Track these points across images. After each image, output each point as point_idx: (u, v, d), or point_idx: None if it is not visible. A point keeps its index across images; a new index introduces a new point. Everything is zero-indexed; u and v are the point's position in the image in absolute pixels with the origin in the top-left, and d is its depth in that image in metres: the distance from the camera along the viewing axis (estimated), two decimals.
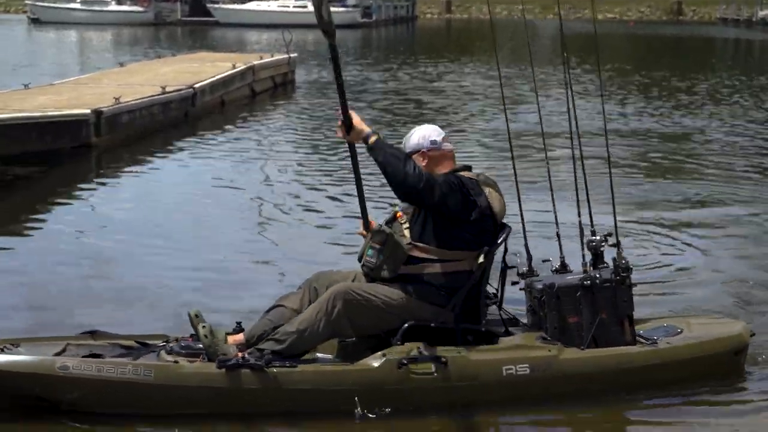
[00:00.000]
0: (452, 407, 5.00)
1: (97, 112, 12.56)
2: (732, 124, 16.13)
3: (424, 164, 5.08)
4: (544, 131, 6.17)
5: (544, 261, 5.50)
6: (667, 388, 5.26)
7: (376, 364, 4.92)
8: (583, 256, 5.37)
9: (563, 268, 5.39)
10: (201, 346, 4.95)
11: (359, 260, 5.21)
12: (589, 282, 5.15)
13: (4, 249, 8.20)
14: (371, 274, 5.10)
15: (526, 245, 5.47)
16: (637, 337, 5.32)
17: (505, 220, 5.22)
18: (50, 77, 19.55)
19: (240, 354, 4.88)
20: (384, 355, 4.94)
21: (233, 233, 8.75)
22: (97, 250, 8.14)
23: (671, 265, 7.79)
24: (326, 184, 10.86)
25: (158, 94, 14.68)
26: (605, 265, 5.31)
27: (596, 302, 5.15)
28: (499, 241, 5.14)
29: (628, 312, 5.23)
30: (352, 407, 4.88)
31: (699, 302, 6.75)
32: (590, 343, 5.15)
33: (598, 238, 5.36)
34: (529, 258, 5.43)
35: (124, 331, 5.50)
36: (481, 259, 5.04)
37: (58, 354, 4.94)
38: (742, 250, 8.24)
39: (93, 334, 5.24)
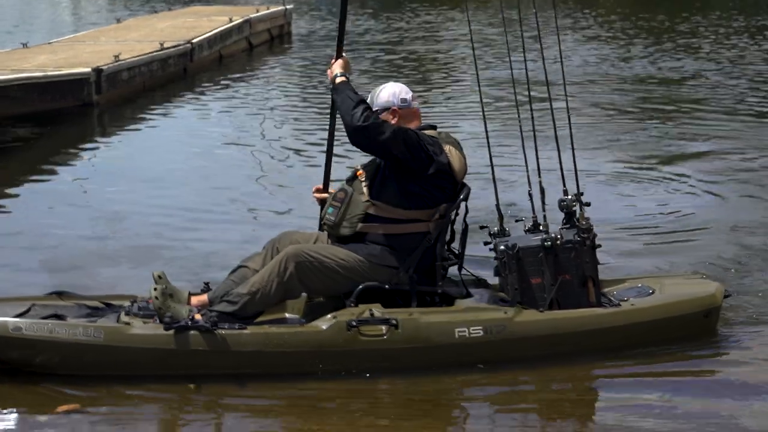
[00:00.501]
0: (406, 370, 4.95)
1: (98, 71, 12.73)
2: (730, 66, 16.03)
3: (394, 122, 5.09)
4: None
5: (517, 221, 5.43)
6: (631, 351, 5.14)
7: (324, 326, 4.91)
8: (544, 216, 5.27)
9: (535, 228, 5.26)
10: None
11: (320, 220, 5.29)
12: (549, 243, 5.04)
13: (10, 210, 8.42)
14: (331, 232, 5.14)
15: (497, 204, 5.35)
16: (606, 299, 5.23)
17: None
18: (47, 35, 19.66)
19: (191, 316, 4.89)
20: (334, 317, 4.92)
21: (230, 190, 8.88)
22: (103, 208, 8.35)
23: (660, 219, 7.66)
24: (321, 141, 10.93)
25: (157, 51, 14.80)
26: (568, 226, 5.20)
27: (558, 264, 5.05)
28: (457, 201, 5.12)
29: (591, 273, 5.12)
30: (299, 369, 4.90)
31: (684, 259, 6.62)
32: (553, 305, 5.07)
33: (569, 197, 5.24)
34: (501, 217, 5.32)
35: (120, 290, 5.60)
36: (436, 216, 5.04)
37: (21, 314, 4.99)
38: (737, 202, 8.09)
39: (60, 294, 5.30)
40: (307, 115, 12.89)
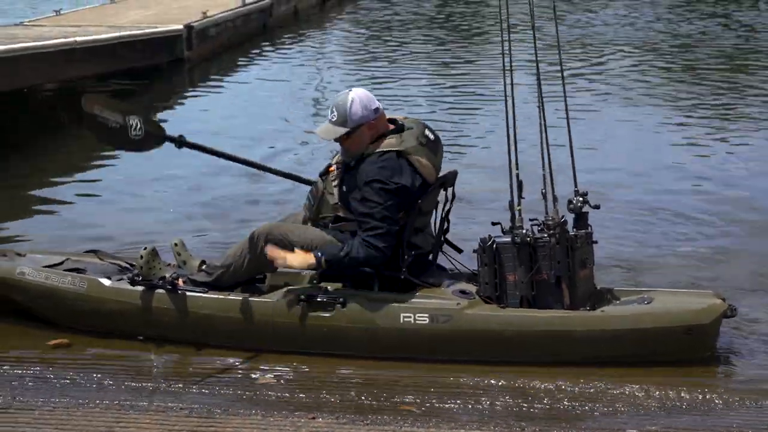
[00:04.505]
0: (353, 351, 4.82)
1: (189, 27, 13.17)
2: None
3: (370, 133, 4.87)
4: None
5: (494, 224, 5.00)
6: (589, 362, 4.72)
7: (276, 298, 4.87)
8: (519, 211, 4.87)
9: (512, 230, 4.86)
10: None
11: None
12: (519, 239, 4.73)
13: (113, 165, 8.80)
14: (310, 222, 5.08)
15: (510, 201, 4.89)
16: (590, 305, 4.82)
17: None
18: None
19: (170, 278, 5.00)
20: (289, 290, 4.88)
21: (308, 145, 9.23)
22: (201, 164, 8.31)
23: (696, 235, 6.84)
24: (394, 95, 11.36)
25: (240, 6, 15.42)
26: (544, 221, 4.86)
27: (530, 261, 4.74)
28: (424, 197, 4.88)
29: (562, 274, 4.73)
30: (254, 342, 4.89)
31: (721, 279, 5.93)
32: (523, 304, 4.75)
33: (578, 198, 4.89)
34: (513, 214, 4.88)
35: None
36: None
37: (52, 266, 5.25)
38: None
39: (96, 252, 5.54)
40: (374, 68, 13.37)
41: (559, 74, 5.30)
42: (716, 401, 4.48)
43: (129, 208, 7.54)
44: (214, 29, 14.27)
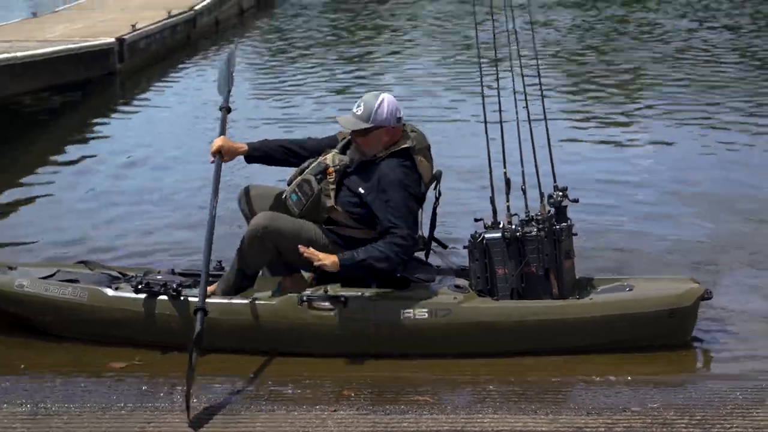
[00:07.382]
0: (358, 349, 4.91)
1: (120, 40, 13.22)
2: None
3: (386, 139, 4.99)
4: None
5: (477, 220, 5.15)
6: (579, 346, 4.92)
7: (277, 300, 4.92)
8: (508, 207, 5.09)
9: (494, 226, 5.10)
10: (158, 280, 5.08)
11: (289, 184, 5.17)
12: (509, 234, 4.90)
13: (51, 178, 8.84)
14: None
15: (491, 197, 5.11)
16: (578, 294, 4.98)
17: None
18: (52, 3, 19.82)
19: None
20: (290, 292, 4.94)
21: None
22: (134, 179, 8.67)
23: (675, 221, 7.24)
24: (319, 102, 11.66)
25: (165, 18, 15.37)
26: (532, 216, 5.05)
27: (519, 255, 4.90)
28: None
29: (551, 265, 4.90)
30: (257, 344, 4.94)
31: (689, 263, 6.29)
32: (514, 296, 4.91)
33: (557, 193, 5.04)
34: (494, 210, 5.11)
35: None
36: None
37: (44, 278, 5.20)
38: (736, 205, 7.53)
39: (86, 263, 5.51)
40: (296, 77, 13.60)
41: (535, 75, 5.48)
42: (703, 380, 4.75)
43: (94, 220, 7.53)
44: (143, 42, 14.24)
